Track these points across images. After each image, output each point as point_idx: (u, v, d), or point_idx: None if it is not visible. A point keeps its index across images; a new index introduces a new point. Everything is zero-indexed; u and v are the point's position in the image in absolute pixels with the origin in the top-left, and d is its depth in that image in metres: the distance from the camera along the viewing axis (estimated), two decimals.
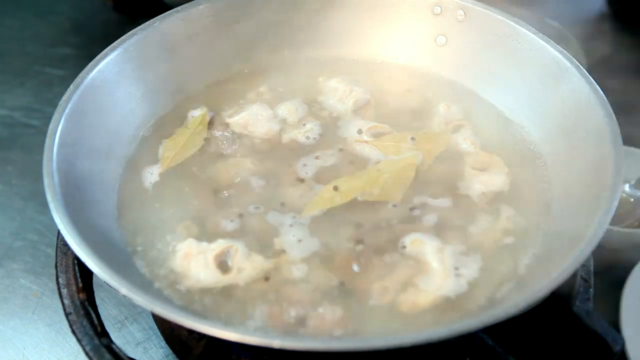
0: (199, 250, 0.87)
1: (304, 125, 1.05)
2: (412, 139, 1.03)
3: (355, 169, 0.99)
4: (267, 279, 0.86)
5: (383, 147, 1.01)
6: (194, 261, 0.86)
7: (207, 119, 1.05)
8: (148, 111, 1.06)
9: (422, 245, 0.88)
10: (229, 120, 1.06)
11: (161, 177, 0.98)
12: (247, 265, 0.85)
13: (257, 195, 0.96)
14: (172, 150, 1.00)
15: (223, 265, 0.86)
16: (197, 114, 1.05)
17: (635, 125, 1.37)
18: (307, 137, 1.03)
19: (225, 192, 0.96)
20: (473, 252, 0.89)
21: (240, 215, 0.93)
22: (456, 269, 0.86)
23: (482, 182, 0.97)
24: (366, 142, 1.02)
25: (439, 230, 0.91)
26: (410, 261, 0.87)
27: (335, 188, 0.92)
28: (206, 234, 0.91)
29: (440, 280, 0.85)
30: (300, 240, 0.89)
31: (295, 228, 0.90)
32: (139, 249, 0.90)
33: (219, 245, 0.87)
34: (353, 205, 0.93)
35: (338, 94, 1.10)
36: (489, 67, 1.10)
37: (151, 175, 0.98)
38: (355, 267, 0.87)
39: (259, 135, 1.04)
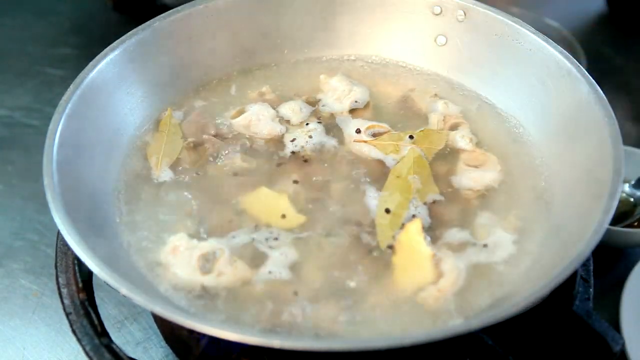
0: (187, 246, 0.87)
1: (307, 125, 1.05)
2: (411, 137, 1.03)
3: (354, 169, 0.99)
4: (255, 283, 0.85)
5: (382, 146, 1.01)
6: (179, 256, 0.86)
7: (177, 120, 1.05)
8: (148, 111, 1.06)
9: (418, 244, 0.87)
10: (230, 121, 1.06)
11: (161, 178, 0.98)
12: (228, 271, 0.85)
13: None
14: (156, 155, 1.00)
15: (208, 265, 0.86)
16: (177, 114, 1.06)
17: (635, 125, 1.37)
18: (310, 137, 1.03)
19: (224, 193, 0.96)
20: (472, 251, 0.89)
21: (238, 219, 0.92)
22: (453, 266, 0.86)
23: (472, 178, 0.97)
24: (365, 141, 1.02)
25: (436, 230, 0.91)
26: (407, 259, 0.87)
27: (387, 210, 0.92)
28: (201, 234, 0.90)
29: (439, 278, 0.85)
30: (293, 244, 0.89)
31: (291, 231, 0.91)
32: (138, 247, 0.89)
33: (209, 245, 0.87)
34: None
35: (337, 93, 1.10)
36: (489, 67, 1.10)
37: (151, 175, 0.98)
38: (353, 267, 0.87)
39: (261, 136, 1.04)
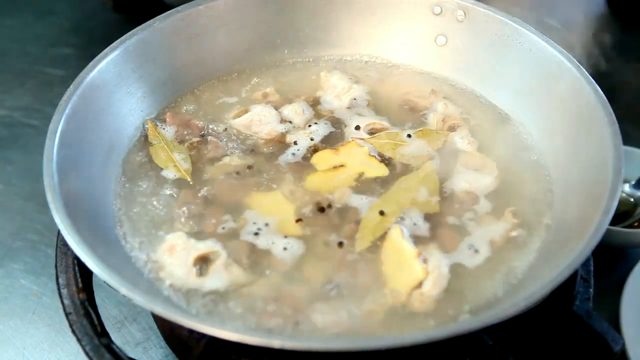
0: (185, 246, 0.87)
1: (309, 126, 1.05)
2: (409, 136, 1.03)
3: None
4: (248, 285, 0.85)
5: (379, 144, 1.01)
6: (176, 256, 0.86)
7: (163, 127, 1.04)
8: (147, 111, 1.06)
9: (401, 244, 0.87)
10: (231, 121, 1.06)
11: (159, 177, 0.98)
12: (223, 274, 0.85)
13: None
14: (171, 163, 0.99)
15: (203, 267, 0.86)
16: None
17: (635, 125, 1.37)
18: (312, 139, 1.03)
19: (224, 193, 0.96)
20: (468, 252, 0.89)
21: (237, 220, 0.92)
22: (435, 266, 0.85)
23: (469, 180, 0.97)
24: (363, 139, 1.02)
25: (431, 230, 0.91)
26: (395, 263, 0.87)
27: (382, 213, 0.91)
28: (199, 234, 0.90)
29: (429, 278, 0.84)
30: (286, 248, 0.89)
31: (291, 233, 0.90)
32: (138, 246, 0.90)
33: (206, 246, 0.87)
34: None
35: (337, 90, 1.10)
36: (489, 67, 1.10)
37: (151, 175, 0.99)
38: (352, 268, 0.87)
39: (261, 136, 1.04)
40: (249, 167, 0.99)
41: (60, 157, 0.86)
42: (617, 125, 0.90)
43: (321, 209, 0.93)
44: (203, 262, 0.87)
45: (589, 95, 0.94)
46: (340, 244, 0.89)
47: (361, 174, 0.97)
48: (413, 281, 0.84)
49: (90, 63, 0.98)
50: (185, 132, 1.04)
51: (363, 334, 0.81)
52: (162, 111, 1.07)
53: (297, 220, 0.91)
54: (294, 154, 1.01)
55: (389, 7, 1.14)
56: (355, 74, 1.14)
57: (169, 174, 0.98)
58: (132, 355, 0.80)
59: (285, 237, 0.90)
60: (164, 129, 1.04)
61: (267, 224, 0.91)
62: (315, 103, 1.10)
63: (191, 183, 0.97)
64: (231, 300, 0.84)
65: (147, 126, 1.04)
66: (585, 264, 0.91)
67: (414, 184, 0.96)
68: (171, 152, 1.00)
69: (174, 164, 0.99)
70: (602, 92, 0.94)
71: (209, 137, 1.03)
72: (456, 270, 0.87)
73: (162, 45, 1.06)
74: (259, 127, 1.05)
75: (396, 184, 0.96)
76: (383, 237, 0.89)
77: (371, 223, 0.90)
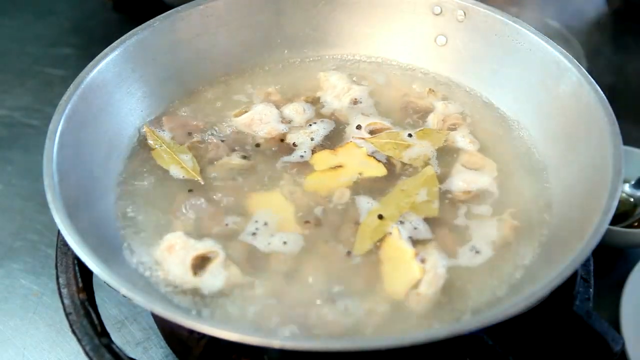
0: (183, 245, 0.87)
1: (310, 126, 1.05)
2: (410, 135, 1.03)
3: None
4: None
5: (379, 144, 1.01)
6: (175, 255, 0.86)
7: (160, 130, 1.04)
8: (147, 111, 1.06)
9: (399, 245, 0.87)
10: (232, 120, 1.06)
11: (159, 177, 0.98)
12: (221, 275, 0.85)
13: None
14: (179, 165, 0.99)
15: (201, 267, 0.86)
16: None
17: (635, 125, 1.37)
18: (312, 140, 1.03)
19: (224, 193, 0.96)
20: (468, 254, 0.89)
21: (236, 220, 0.92)
22: (432, 266, 0.85)
23: (467, 180, 0.97)
24: (363, 138, 1.02)
25: (430, 230, 0.91)
26: (393, 262, 0.87)
27: (380, 217, 0.91)
28: (199, 234, 0.90)
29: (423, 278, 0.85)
30: (286, 242, 0.89)
31: (286, 236, 0.90)
32: (138, 246, 0.89)
33: (205, 246, 0.87)
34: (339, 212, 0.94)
35: (336, 90, 1.10)
36: (489, 67, 1.10)
37: (150, 175, 0.99)
38: (352, 269, 0.87)
39: (262, 135, 1.04)
40: (249, 166, 0.99)
41: (60, 157, 0.86)
42: (617, 125, 0.90)
43: (317, 222, 0.92)
44: (202, 261, 0.87)
45: (589, 95, 0.94)
46: (349, 253, 0.88)
47: (360, 174, 0.97)
48: (410, 281, 0.84)
49: (90, 63, 0.98)
50: (184, 134, 1.04)
51: (363, 334, 0.81)
52: (162, 111, 1.07)
53: (306, 222, 0.91)
54: (302, 156, 1.01)
55: (389, 7, 1.14)
56: (355, 74, 1.14)
57: (176, 173, 0.98)
58: (132, 355, 0.80)
59: (288, 234, 0.90)
60: (162, 131, 1.04)
61: (265, 223, 0.91)
62: (315, 103, 1.10)
63: (202, 183, 0.97)
64: (230, 300, 0.84)
65: (143, 131, 1.03)
66: (585, 264, 0.91)
67: (414, 187, 0.96)
68: (174, 153, 1.00)
69: (181, 165, 0.99)
70: (602, 92, 0.94)
71: (209, 137, 1.03)
72: (457, 270, 0.87)
73: (162, 45, 1.06)
74: (260, 126, 1.05)
75: (396, 187, 0.96)
76: (382, 238, 0.89)
77: (369, 227, 0.90)
